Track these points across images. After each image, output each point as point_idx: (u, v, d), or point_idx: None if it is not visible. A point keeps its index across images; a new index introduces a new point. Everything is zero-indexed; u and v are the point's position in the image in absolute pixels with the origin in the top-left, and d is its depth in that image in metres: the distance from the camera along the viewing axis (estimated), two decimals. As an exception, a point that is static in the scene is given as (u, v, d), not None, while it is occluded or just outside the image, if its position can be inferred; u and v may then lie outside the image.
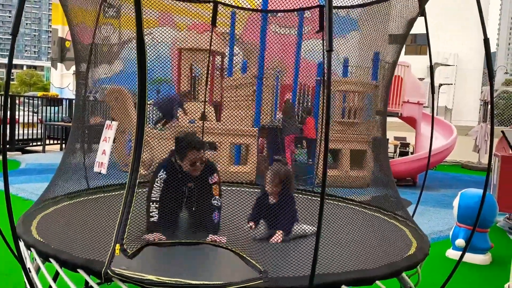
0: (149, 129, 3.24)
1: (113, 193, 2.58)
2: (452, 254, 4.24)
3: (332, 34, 1.50)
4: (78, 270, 1.82)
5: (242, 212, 2.46)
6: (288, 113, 6.24)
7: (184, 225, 2.52)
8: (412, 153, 10.53)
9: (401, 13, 2.71)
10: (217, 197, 2.53)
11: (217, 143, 5.63)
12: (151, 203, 2.39)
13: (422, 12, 2.73)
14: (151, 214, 2.38)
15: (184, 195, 2.54)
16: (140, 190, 2.11)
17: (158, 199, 2.41)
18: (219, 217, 2.48)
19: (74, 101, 4.31)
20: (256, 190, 3.54)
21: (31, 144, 11.34)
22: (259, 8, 4.57)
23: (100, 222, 2.20)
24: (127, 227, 1.93)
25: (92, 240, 2.01)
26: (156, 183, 2.44)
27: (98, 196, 2.67)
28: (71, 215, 2.45)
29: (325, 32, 1.49)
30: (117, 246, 1.85)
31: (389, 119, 10.75)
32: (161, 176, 2.45)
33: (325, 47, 1.53)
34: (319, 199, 1.57)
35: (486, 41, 1.99)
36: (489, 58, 1.98)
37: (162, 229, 2.35)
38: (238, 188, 3.39)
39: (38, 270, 2.11)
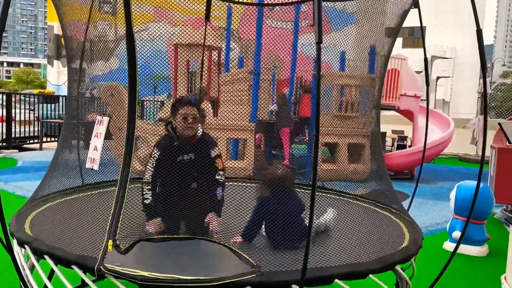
0: (143, 124, 3.22)
1: (107, 189, 2.57)
2: (449, 246, 4.25)
3: (322, 26, 1.49)
4: (72, 266, 1.82)
5: (239, 207, 2.44)
6: (281, 104, 6.20)
7: (183, 203, 2.37)
8: (409, 147, 10.53)
9: (394, 4, 2.70)
10: (221, 172, 2.47)
11: (214, 139, 5.61)
12: (144, 185, 2.35)
13: (416, 4, 2.72)
14: (144, 196, 2.36)
15: (181, 167, 2.41)
16: (132, 185, 2.10)
17: (150, 180, 2.37)
18: (222, 194, 2.42)
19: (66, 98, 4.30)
20: (253, 185, 3.54)
21: (28, 141, 11.31)
22: (254, 2, 4.55)
23: (94, 218, 2.20)
24: (120, 222, 1.92)
25: (87, 236, 2.01)
26: (148, 164, 2.39)
27: (92, 192, 2.66)
28: (65, 211, 2.44)
29: (314, 24, 1.48)
30: (110, 242, 1.84)
31: (386, 112, 10.74)
32: (154, 155, 2.40)
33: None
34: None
35: (479, 32, 1.98)
36: (481, 49, 1.97)
37: (160, 211, 2.31)
38: (235, 183, 3.38)
39: (33, 268, 2.11)
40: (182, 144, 2.43)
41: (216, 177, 2.47)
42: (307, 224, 1.55)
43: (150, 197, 2.36)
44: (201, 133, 2.53)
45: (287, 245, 2.11)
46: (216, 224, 2.32)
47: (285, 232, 2.12)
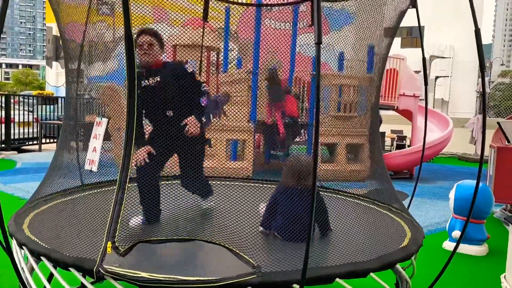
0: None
1: (106, 189, 2.56)
2: (449, 245, 4.25)
3: (321, 27, 1.49)
4: (70, 268, 1.81)
5: (238, 207, 2.44)
6: (272, 81, 6.12)
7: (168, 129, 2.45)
8: (409, 146, 10.53)
9: (392, 4, 2.70)
10: (203, 84, 2.61)
11: (213, 140, 5.61)
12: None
13: (414, 4, 2.72)
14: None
15: (150, 90, 2.51)
16: (131, 185, 2.10)
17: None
18: (207, 101, 2.57)
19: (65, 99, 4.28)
20: (253, 185, 3.54)
21: (27, 143, 11.29)
22: (252, 3, 4.55)
23: (93, 220, 2.19)
24: (119, 224, 1.91)
25: (85, 238, 2.00)
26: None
27: (91, 193, 2.65)
28: (64, 213, 2.44)
29: (314, 25, 1.48)
30: (109, 244, 1.83)
31: (385, 112, 10.72)
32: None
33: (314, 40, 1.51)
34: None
35: (477, 32, 1.99)
36: (480, 48, 1.98)
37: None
38: (234, 183, 3.38)
39: (32, 270, 2.10)
40: (147, 70, 2.54)
41: (202, 89, 2.60)
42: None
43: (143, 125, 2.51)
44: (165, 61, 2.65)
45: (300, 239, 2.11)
46: (195, 129, 2.44)
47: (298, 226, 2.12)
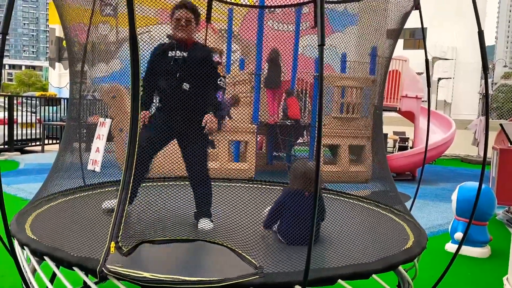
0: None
1: (109, 190, 2.57)
2: (451, 247, 4.24)
3: (325, 29, 1.50)
4: (74, 268, 1.82)
5: (238, 208, 2.45)
6: (274, 62, 6.10)
7: (178, 100, 2.45)
8: (411, 148, 10.51)
9: (395, 6, 2.70)
10: (222, 78, 2.58)
11: (216, 141, 5.63)
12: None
13: (417, 6, 2.72)
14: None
15: (173, 63, 2.51)
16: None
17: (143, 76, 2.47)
18: (223, 97, 2.55)
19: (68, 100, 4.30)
20: (254, 186, 3.54)
21: (30, 144, 11.31)
22: (255, 4, 4.56)
23: (96, 220, 2.20)
24: (122, 224, 1.92)
25: (88, 238, 2.01)
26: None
27: (93, 193, 2.66)
28: (66, 213, 2.44)
29: (317, 27, 1.48)
30: (112, 244, 1.84)
31: (388, 114, 10.69)
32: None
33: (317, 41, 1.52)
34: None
35: (480, 33, 1.99)
36: (483, 50, 1.97)
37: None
38: (236, 184, 3.39)
39: (34, 270, 2.10)
40: (175, 43, 2.55)
41: (218, 82, 2.58)
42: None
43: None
44: (196, 40, 2.66)
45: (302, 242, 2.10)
46: (213, 125, 2.43)
47: (301, 230, 2.11)
